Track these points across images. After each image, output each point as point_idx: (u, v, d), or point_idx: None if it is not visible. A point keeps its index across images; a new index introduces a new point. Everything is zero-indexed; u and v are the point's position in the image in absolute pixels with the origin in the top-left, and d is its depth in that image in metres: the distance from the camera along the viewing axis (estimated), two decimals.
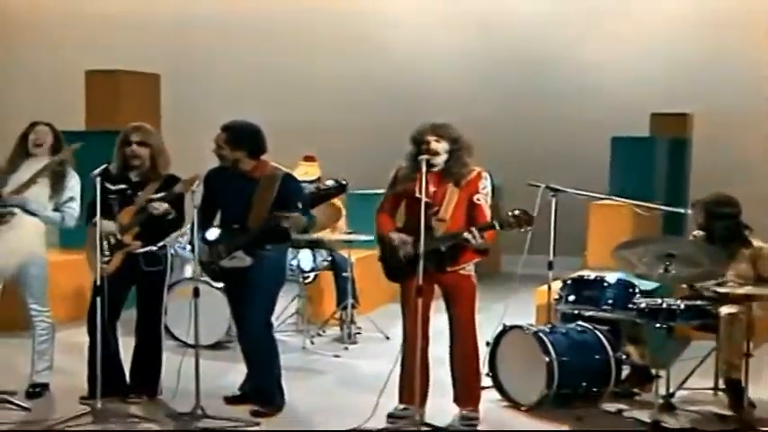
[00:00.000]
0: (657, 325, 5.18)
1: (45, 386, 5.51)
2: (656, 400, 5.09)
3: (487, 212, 4.94)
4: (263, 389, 5.32)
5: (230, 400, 5.43)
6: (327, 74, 13.05)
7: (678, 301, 5.27)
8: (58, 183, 5.40)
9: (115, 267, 5.21)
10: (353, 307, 7.35)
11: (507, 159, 10.78)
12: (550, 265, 5.91)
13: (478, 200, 4.94)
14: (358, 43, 13.04)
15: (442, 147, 4.92)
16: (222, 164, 5.27)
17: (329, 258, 7.52)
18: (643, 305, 5.29)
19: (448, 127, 4.98)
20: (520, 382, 5.45)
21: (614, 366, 5.40)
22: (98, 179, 5.01)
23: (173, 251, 5.60)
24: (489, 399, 5.43)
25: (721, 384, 5.43)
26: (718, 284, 5.31)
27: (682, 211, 6.50)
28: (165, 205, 5.10)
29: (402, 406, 5.07)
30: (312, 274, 7.47)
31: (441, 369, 5.11)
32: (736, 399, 5.20)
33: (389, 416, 5.04)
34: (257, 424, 5.05)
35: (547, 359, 5.25)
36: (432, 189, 4.90)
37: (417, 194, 4.82)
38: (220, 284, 5.83)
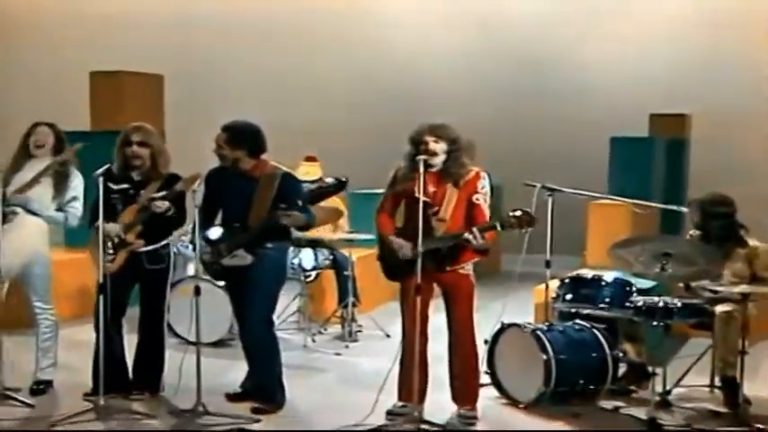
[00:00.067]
0: (654, 323, 5.22)
1: (49, 383, 5.56)
2: (653, 398, 5.12)
3: (486, 212, 4.97)
4: (265, 386, 5.35)
5: (232, 398, 5.46)
6: (327, 74, 13.08)
7: (675, 300, 5.32)
8: (61, 183, 5.44)
9: (119, 266, 5.26)
10: (354, 305, 7.40)
11: (507, 159, 10.83)
12: (548, 264, 5.96)
13: (477, 200, 4.97)
14: (358, 43, 13.07)
15: (440, 147, 4.96)
16: (222, 163, 5.31)
17: (330, 257, 7.56)
18: (640, 303, 5.33)
19: (446, 128, 5.01)
20: (518, 380, 5.49)
21: (611, 364, 5.44)
22: (101, 179, 5.06)
23: (175, 250, 5.65)
24: (488, 396, 5.47)
25: (717, 382, 5.47)
26: (714, 283, 5.37)
27: (677, 209, 6.53)
28: (167, 203, 5.14)
29: (401, 403, 5.11)
30: (313, 273, 7.51)
31: (439, 367, 5.15)
32: (731, 396, 5.24)
33: (388, 413, 5.09)
34: (258, 421, 5.08)
35: (544, 357, 5.29)
36: (431, 189, 4.94)
37: (417, 194, 4.85)
38: (222, 283, 5.88)
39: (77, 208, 5.48)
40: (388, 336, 7.30)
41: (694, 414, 5.29)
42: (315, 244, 7.43)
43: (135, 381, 5.49)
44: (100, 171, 5.08)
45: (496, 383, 5.60)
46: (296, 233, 6.18)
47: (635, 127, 11.18)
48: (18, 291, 5.52)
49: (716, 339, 5.36)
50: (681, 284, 5.62)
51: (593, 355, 5.46)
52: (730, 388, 5.26)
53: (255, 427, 5.01)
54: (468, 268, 5.04)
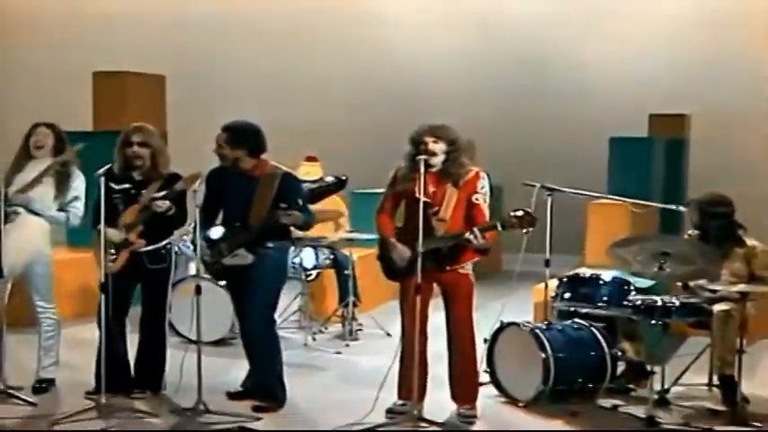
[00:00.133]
0: (653, 322, 5.24)
1: (51, 381, 5.58)
2: (651, 396, 5.13)
3: (486, 212, 4.99)
4: (265, 385, 5.37)
5: (232, 396, 5.48)
6: (327, 74, 13.09)
7: (673, 299, 5.34)
8: (62, 183, 5.46)
9: (120, 265, 5.28)
10: (355, 304, 7.42)
11: (507, 159, 10.85)
12: (547, 263, 5.99)
13: (477, 200, 4.99)
14: (358, 43, 13.08)
15: (439, 147, 4.98)
16: (223, 163, 5.34)
17: (331, 256, 7.58)
18: (639, 302, 5.35)
19: (446, 128, 5.04)
20: (517, 379, 5.52)
21: (610, 363, 5.47)
22: (102, 179, 5.08)
23: (176, 249, 5.67)
24: (487, 394, 5.49)
25: (715, 380, 5.49)
26: (713, 283, 5.39)
27: (676, 208, 6.54)
28: (168, 203, 5.17)
29: (401, 401, 5.14)
30: (314, 272, 7.52)
31: (439, 365, 5.18)
32: (729, 394, 5.26)
33: (388, 411, 5.11)
34: (259, 419, 5.10)
35: (543, 356, 5.31)
36: (431, 189, 4.97)
37: (417, 194, 4.86)
38: (224, 282, 5.90)
39: (79, 208, 5.50)
40: (388, 335, 7.31)
41: (692, 412, 5.31)
42: (315, 243, 7.45)
43: (136, 379, 5.51)
44: (101, 171, 5.11)
45: (496, 382, 5.62)
46: (296, 233, 6.20)
47: (634, 127, 11.19)
48: (20, 290, 5.55)
49: (714, 338, 5.39)
50: (679, 284, 5.64)
51: (592, 353, 5.48)
52: (728, 386, 5.28)
53: (256, 425, 5.03)
54: (467, 267, 5.06)
